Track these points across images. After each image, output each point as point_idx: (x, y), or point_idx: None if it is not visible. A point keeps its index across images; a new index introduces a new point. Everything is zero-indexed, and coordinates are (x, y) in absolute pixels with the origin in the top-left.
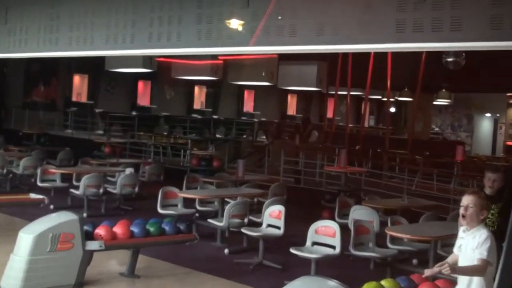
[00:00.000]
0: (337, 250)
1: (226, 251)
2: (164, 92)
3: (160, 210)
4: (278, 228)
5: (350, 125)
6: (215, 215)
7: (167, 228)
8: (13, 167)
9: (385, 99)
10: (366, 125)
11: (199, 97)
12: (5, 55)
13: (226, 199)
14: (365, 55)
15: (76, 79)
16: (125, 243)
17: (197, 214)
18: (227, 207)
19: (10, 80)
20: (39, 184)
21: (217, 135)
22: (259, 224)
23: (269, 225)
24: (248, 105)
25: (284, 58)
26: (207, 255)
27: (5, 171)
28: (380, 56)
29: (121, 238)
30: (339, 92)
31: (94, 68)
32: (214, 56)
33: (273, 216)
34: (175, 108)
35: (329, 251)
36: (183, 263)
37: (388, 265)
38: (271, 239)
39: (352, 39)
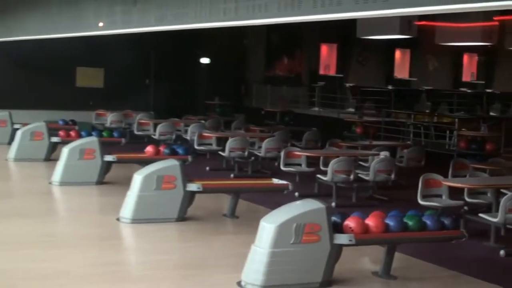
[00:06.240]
0: None
1: (501, 252)
2: (425, 62)
3: (420, 201)
4: None
5: None
6: (488, 209)
7: (428, 222)
8: (255, 149)
9: None
10: None
11: (469, 67)
12: (244, 22)
13: (502, 190)
14: None
15: (324, 49)
16: (379, 237)
17: (465, 207)
18: (503, 200)
19: (251, 53)
20: (282, 168)
21: (491, 113)
22: None
23: None
24: None
25: None
26: (477, 256)
27: (246, 153)
28: None
29: (374, 232)
30: None
31: (344, 36)
32: (488, 16)
33: None
34: (439, 81)
35: None
36: (447, 264)
37: None
38: None
39: None
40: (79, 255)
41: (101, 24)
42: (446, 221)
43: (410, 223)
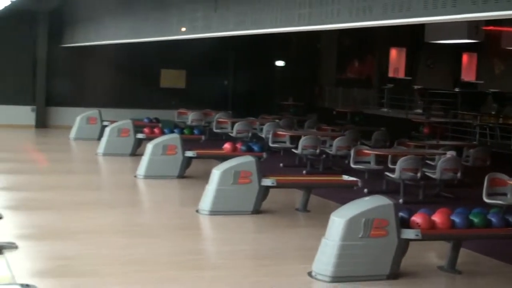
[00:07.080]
0: None
1: None
2: (492, 66)
3: (486, 199)
4: None
5: None
6: None
7: (493, 219)
8: (326, 148)
9: None
10: None
11: None
12: (317, 28)
13: None
14: None
15: (393, 53)
16: (444, 233)
17: None
18: None
19: (323, 56)
20: (352, 165)
21: None
22: None
23: None
24: None
25: None
26: None
27: (318, 151)
28: None
29: (440, 228)
30: None
31: (412, 40)
32: None
33: None
34: (506, 84)
35: None
36: (511, 260)
37: None
38: None
39: None
40: (160, 244)
41: (183, 29)
42: (511, 219)
43: (475, 220)
